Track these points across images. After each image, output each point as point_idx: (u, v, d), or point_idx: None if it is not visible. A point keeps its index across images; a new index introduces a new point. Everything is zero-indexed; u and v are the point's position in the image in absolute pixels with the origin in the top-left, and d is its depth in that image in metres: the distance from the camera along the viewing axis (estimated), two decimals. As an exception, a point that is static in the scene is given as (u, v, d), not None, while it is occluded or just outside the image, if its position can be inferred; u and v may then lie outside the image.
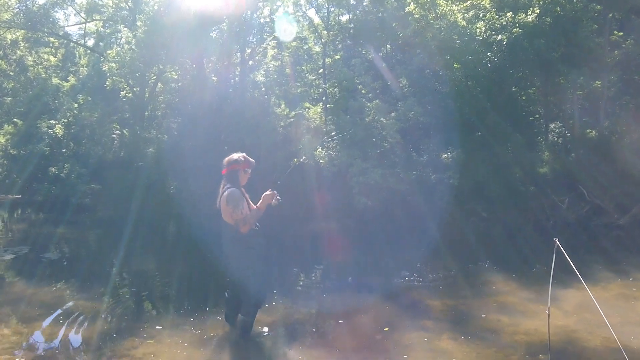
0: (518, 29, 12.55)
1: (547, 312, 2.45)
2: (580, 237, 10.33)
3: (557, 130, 15.71)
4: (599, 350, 4.27)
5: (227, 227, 4.50)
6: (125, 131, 17.48)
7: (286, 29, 16.38)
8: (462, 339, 4.64)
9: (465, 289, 6.49)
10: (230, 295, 4.81)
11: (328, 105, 14.96)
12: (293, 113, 15.28)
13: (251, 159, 4.70)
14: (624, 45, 13.31)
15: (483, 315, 5.31)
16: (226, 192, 4.44)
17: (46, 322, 4.87)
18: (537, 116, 15.39)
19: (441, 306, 5.75)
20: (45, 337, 4.49)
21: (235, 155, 4.64)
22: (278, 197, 4.52)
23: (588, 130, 13.88)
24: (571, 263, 2.39)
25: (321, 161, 13.10)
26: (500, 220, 12.28)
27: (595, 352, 4.23)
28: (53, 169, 16.53)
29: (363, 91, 13.94)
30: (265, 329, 4.84)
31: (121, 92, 17.57)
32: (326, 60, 16.86)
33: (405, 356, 4.28)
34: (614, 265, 7.48)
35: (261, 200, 4.51)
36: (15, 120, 17.96)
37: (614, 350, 4.16)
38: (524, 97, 14.82)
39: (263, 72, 17.11)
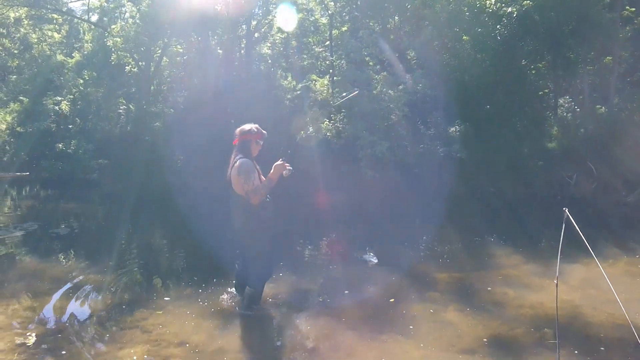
0: (529, 1, 12.28)
1: (555, 281, 2.44)
2: (587, 214, 10.29)
3: (566, 105, 15.52)
4: (604, 325, 4.27)
5: (237, 199, 4.45)
6: (131, 106, 17.46)
7: (287, 19, 16.07)
8: (468, 311, 4.65)
9: (471, 262, 6.49)
10: (240, 267, 4.81)
11: (335, 78, 14.80)
12: (299, 85, 15.17)
13: (263, 131, 4.61)
14: (635, 21, 13.01)
15: (488, 288, 5.31)
16: (237, 162, 4.37)
17: (57, 296, 4.91)
18: (546, 91, 15.20)
19: (447, 278, 5.76)
20: (55, 311, 4.54)
21: (248, 126, 4.55)
22: (289, 167, 4.44)
23: (598, 107, 13.69)
24: (580, 233, 2.37)
25: (328, 134, 13.04)
26: (507, 195, 12.26)
27: (600, 328, 4.23)
28: (60, 145, 16.59)
29: (370, 63, 13.75)
30: (272, 301, 4.86)
31: (126, 67, 17.49)
32: (333, 32, 16.58)
33: (410, 327, 4.30)
34: (620, 242, 7.42)
35: (272, 171, 4.43)
36: (20, 98, 17.96)
37: (619, 326, 4.17)
38: (533, 71, 14.61)
39: (269, 45, 16.93)
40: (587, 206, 10.97)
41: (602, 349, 3.83)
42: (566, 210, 2.51)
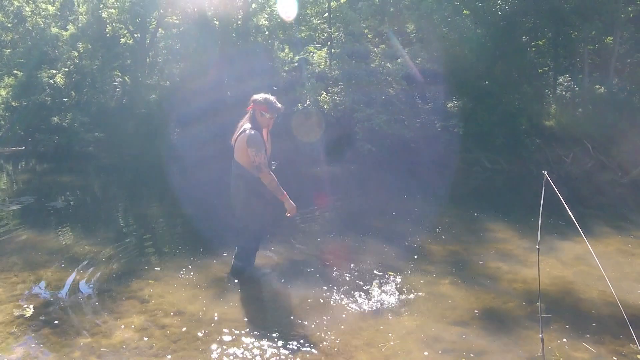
0: (530, -23, 12.11)
1: (537, 246, 2.45)
2: (583, 192, 10.33)
3: (565, 84, 15.47)
4: (594, 302, 4.30)
5: (238, 168, 4.41)
6: (126, 78, 17.29)
7: (287, 10, 15.74)
8: (461, 283, 4.70)
9: (466, 235, 6.52)
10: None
11: (333, 50, 14.66)
12: (297, 57, 15.01)
13: (276, 104, 4.41)
14: (638, 2, 12.88)
15: (481, 263, 5.36)
16: (248, 133, 4.28)
17: (54, 269, 4.91)
18: (545, 68, 15.15)
19: (441, 251, 5.80)
20: (53, 283, 4.54)
21: (258, 95, 4.42)
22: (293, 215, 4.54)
23: (597, 86, 13.64)
24: (560, 196, 2.38)
25: (325, 107, 12.99)
26: (503, 171, 12.33)
27: (590, 304, 4.27)
28: (55, 118, 16.47)
29: (369, 36, 13.60)
30: (267, 270, 4.87)
31: (121, 39, 17.26)
32: (331, 3, 16.36)
33: (404, 297, 4.36)
34: (614, 221, 7.43)
35: (285, 199, 4.43)
36: (15, 71, 17.72)
37: (609, 303, 4.20)
38: (533, 48, 14.53)
39: (266, 16, 16.64)
40: (583, 185, 11.02)
41: (594, 324, 3.87)
42: (545, 174, 2.52)
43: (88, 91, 17.62)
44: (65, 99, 17.47)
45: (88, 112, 16.45)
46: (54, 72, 17.55)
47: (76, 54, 18.00)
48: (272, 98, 4.43)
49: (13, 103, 17.47)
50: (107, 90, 17.44)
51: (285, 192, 4.46)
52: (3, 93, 17.64)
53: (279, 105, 4.47)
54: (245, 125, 4.38)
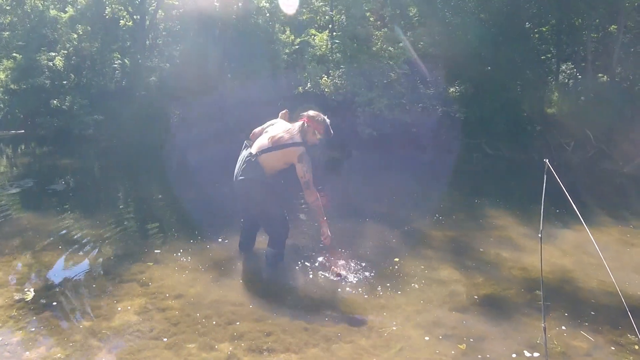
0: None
1: (539, 235, 2.45)
2: (583, 181, 10.31)
3: (568, 71, 15.40)
4: (593, 291, 4.31)
5: (259, 173, 4.34)
6: (126, 60, 17.15)
7: (289, 4, 15.53)
8: (461, 270, 4.70)
9: (466, 222, 6.51)
10: (247, 225, 4.86)
11: (335, 33, 14.54)
12: (298, 40, 14.88)
13: (330, 131, 4.46)
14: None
15: (481, 249, 5.36)
16: (302, 150, 4.28)
17: (53, 252, 4.90)
18: (548, 55, 15.04)
19: (441, 237, 5.80)
20: (53, 266, 4.54)
21: (316, 113, 4.45)
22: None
23: (600, 75, 13.55)
24: (561, 185, 2.37)
25: (326, 90, 12.92)
26: (504, 158, 12.31)
27: (589, 293, 4.28)
28: (55, 101, 16.35)
29: (371, 19, 13.48)
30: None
31: (121, 21, 17.09)
32: (333, -15, 16.18)
33: (404, 283, 4.36)
34: (614, 211, 7.41)
35: (325, 224, 4.46)
36: (14, 54, 17.56)
37: (608, 293, 4.21)
38: (536, 35, 14.38)
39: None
40: (584, 173, 11.00)
41: (592, 313, 3.88)
42: (547, 162, 2.51)
43: (87, 74, 17.50)
44: (65, 82, 17.36)
45: (88, 95, 16.35)
46: (53, 54, 17.40)
47: (75, 36, 17.82)
48: (328, 121, 4.50)
49: (12, 86, 17.34)
50: (106, 72, 17.32)
51: (325, 218, 4.47)
52: (2, 76, 17.50)
53: (331, 131, 4.52)
54: (296, 137, 4.34)
